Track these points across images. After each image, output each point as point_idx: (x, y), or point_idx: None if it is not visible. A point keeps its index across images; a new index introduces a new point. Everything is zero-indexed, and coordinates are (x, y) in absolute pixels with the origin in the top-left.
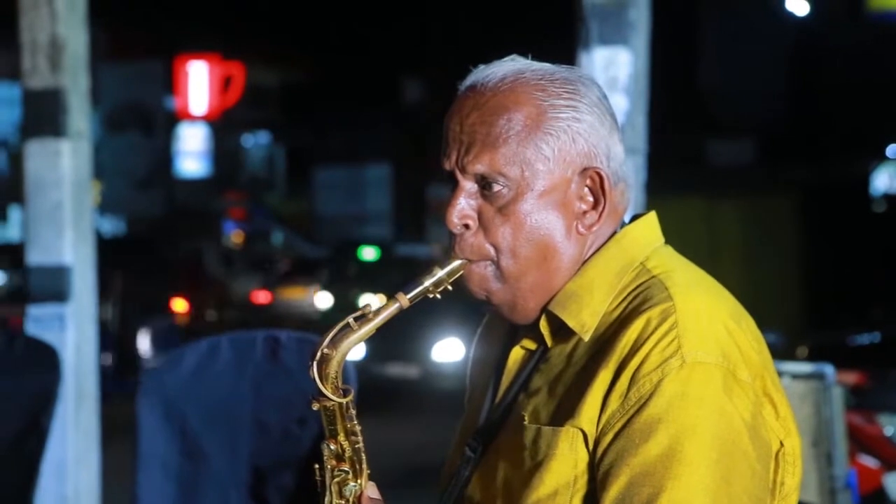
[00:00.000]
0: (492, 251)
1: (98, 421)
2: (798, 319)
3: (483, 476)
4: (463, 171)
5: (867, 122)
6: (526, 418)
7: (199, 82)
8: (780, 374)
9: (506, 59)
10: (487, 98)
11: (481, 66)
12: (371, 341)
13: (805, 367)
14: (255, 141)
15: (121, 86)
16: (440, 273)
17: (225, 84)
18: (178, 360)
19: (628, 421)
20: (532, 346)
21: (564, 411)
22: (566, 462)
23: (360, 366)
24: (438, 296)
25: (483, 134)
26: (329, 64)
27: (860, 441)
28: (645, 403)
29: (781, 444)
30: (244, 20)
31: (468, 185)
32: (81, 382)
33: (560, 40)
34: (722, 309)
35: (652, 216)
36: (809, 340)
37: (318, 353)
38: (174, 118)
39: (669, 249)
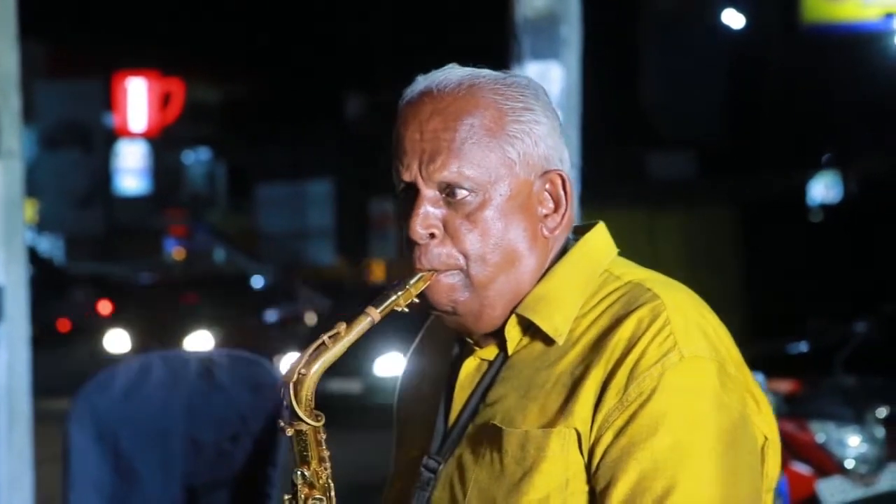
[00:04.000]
0: (461, 259)
1: (31, 442)
2: (737, 329)
3: (448, 496)
4: (427, 179)
5: (804, 133)
6: (504, 428)
7: (138, 99)
8: None
9: (446, 67)
10: (448, 103)
11: (430, 73)
12: None
13: None
14: (196, 158)
15: (59, 103)
16: (408, 285)
17: (164, 101)
18: (110, 380)
19: (631, 416)
20: (489, 355)
21: (552, 413)
22: (557, 464)
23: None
24: (406, 309)
25: (447, 140)
26: (270, 79)
27: (793, 448)
28: (648, 399)
29: (766, 438)
30: (183, 36)
31: (430, 194)
32: (15, 403)
33: (498, 55)
34: (704, 308)
35: (603, 226)
36: (746, 350)
37: (295, 375)
38: (113, 135)
39: (625, 259)
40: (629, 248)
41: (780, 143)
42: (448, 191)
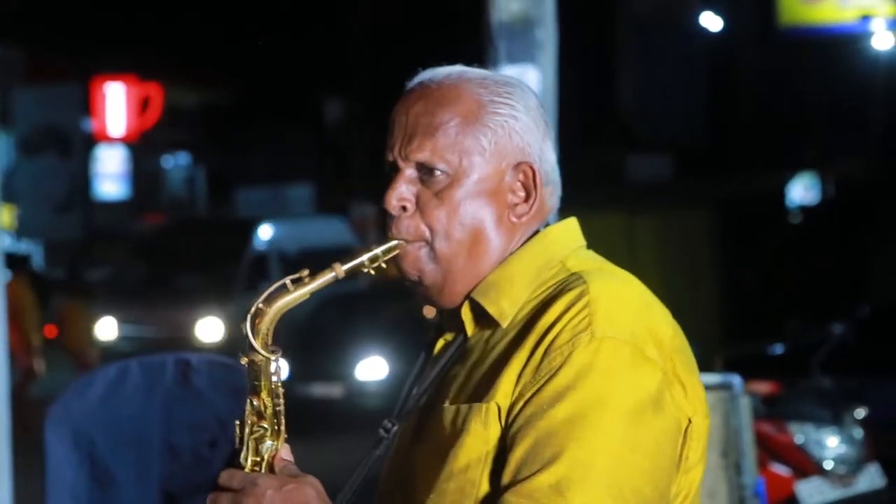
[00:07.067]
0: (427, 232)
1: (10, 450)
2: (716, 331)
3: (396, 456)
4: (405, 158)
5: (781, 134)
6: (446, 402)
7: (116, 104)
8: None
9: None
10: (433, 91)
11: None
12: (294, 360)
13: (713, 378)
14: (175, 162)
15: (37, 108)
16: (377, 250)
17: (143, 105)
18: (86, 386)
19: (538, 389)
20: (451, 337)
21: (481, 390)
22: (479, 437)
23: (284, 386)
24: (373, 271)
25: (425, 124)
26: (249, 83)
27: (772, 449)
28: (555, 374)
29: (690, 421)
30: (161, 40)
31: (409, 172)
32: None
33: (474, 60)
34: (635, 295)
35: (572, 221)
36: (725, 352)
37: (253, 308)
38: (92, 140)
39: (591, 252)
40: (607, 250)
41: (758, 145)
42: (423, 170)
